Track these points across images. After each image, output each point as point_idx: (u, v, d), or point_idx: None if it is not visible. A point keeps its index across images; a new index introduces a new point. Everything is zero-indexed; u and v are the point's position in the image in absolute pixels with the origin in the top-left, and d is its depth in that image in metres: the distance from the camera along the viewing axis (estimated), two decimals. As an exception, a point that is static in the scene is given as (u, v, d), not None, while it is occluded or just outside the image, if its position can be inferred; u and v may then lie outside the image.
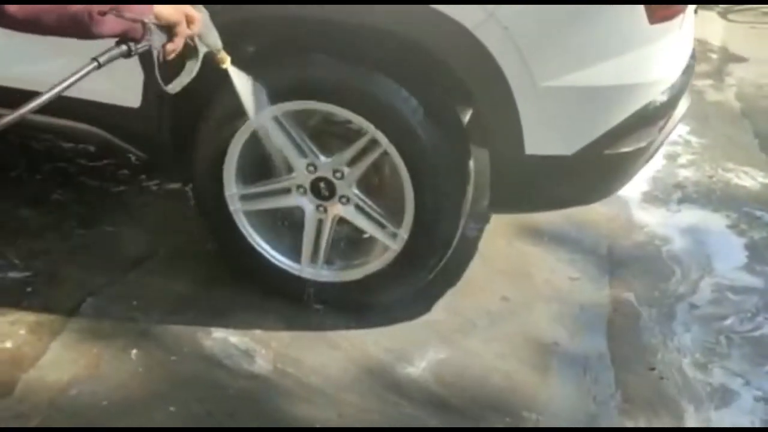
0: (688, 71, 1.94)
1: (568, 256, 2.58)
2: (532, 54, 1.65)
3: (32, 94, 1.09)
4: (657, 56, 1.73)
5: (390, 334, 2.06)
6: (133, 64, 1.87)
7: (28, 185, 2.66)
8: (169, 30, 1.20)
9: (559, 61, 1.68)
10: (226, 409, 1.76)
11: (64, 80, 1.10)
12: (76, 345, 1.91)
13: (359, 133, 1.85)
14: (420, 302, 2.17)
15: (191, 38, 1.27)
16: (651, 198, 3.08)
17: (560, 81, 1.68)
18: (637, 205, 3.03)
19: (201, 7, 1.30)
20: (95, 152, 2.86)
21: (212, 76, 1.61)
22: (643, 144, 1.83)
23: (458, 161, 1.86)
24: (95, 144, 2.31)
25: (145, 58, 1.20)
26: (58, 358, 1.86)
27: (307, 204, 1.98)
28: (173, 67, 1.29)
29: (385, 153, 1.84)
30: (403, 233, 1.91)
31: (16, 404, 1.72)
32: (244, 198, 2.00)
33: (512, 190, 1.85)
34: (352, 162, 1.89)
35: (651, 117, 1.79)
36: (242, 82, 1.47)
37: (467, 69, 1.70)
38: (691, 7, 1.92)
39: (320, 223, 1.99)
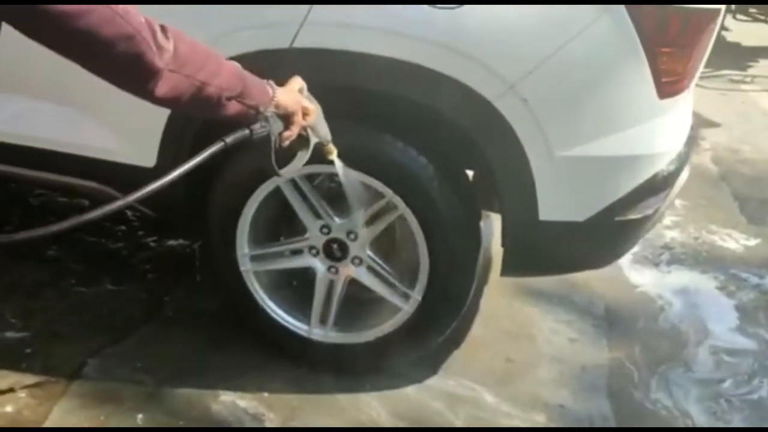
0: (690, 141, 2.02)
1: (566, 317, 2.61)
2: (549, 125, 1.70)
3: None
4: (665, 129, 1.80)
5: (398, 398, 2.04)
6: (150, 124, 1.90)
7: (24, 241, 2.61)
8: (286, 119, 1.27)
9: (575, 132, 1.73)
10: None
11: (192, 158, 1.14)
12: (79, 409, 1.86)
13: (375, 195, 1.87)
14: (427, 364, 2.17)
15: (305, 129, 1.34)
16: (641, 259, 3.15)
17: (575, 151, 1.73)
18: (628, 266, 3.09)
19: (312, 98, 1.38)
20: (90, 208, 2.83)
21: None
22: (650, 211, 1.88)
23: (471, 225, 1.89)
24: (102, 201, 2.28)
25: (264, 143, 1.25)
26: (61, 422, 1.81)
27: (319, 265, 1.98)
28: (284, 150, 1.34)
29: (401, 216, 1.86)
30: (417, 295, 1.92)
31: (20, 472, 1.66)
32: (255, 258, 2.00)
33: (525, 255, 1.88)
34: (367, 224, 1.91)
35: (659, 186, 1.84)
36: (346, 174, 1.61)
37: (486, 138, 1.75)
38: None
39: (331, 284, 1.99)
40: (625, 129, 1.74)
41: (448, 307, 1.94)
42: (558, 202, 1.79)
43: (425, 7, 1.64)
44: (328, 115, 1.83)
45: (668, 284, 2.96)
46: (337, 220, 1.93)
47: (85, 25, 0.92)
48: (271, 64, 1.75)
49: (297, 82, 1.35)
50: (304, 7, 1.69)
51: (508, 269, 1.91)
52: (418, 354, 2.05)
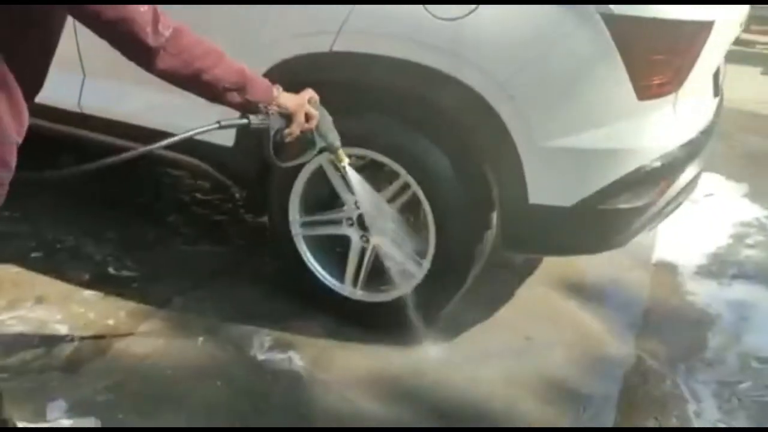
0: (694, 143, 2.17)
1: (602, 311, 2.76)
2: (533, 119, 1.98)
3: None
4: (646, 127, 2.00)
5: (412, 352, 2.36)
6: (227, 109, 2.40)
7: (152, 209, 3.26)
8: (288, 119, 1.62)
9: (557, 126, 1.99)
10: (262, 389, 2.15)
11: (189, 131, 1.55)
12: (159, 329, 2.39)
13: (396, 175, 2.23)
14: (447, 330, 2.47)
15: (310, 131, 1.68)
16: (705, 271, 3.19)
17: (557, 142, 1.99)
18: (688, 275, 3.15)
19: (323, 108, 1.71)
20: (209, 188, 3.44)
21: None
22: (639, 203, 2.08)
23: (476, 208, 2.18)
24: (204, 177, 2.81)
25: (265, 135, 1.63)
26: (144, 336, 2.34)
27: (353, 234, 2.37)
28: (292, 147, 1.72)
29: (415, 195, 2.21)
30: (426, 264, 2.25)
31: (105, 365, 2.20)
32: (304, 225, 2.43)
33: (519, 234, 2.15)
34: (390, 200, 2.27)
35: (643, 180, 2.04)
36: (357, 180, 1.94)
37: (481, 129, 2.06)
38: (700, 86, 2.17)
39: (363, 250, 2.37)
40: (602, 125, 1.97)
41: (451, 277, 2.25)
42: (545, 188, 2.05)
43: (432, 18, 2.00)
44: (359, 109, 2.24)
45: (723, 296, 2.99)
46: (367, 196, 2.31)
47: (92, 8, 1.27)
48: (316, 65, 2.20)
49: (307, 93, 1.68)
50: (342, 17, 2.10)
51: (505, 246, 2.19)
52: (430, 315, 2.37)
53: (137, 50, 1.38)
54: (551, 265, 2.94)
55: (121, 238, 2.93)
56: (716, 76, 2.36)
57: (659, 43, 1.92)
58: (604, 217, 2.08)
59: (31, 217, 3.01)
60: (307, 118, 1.66)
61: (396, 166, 2.19)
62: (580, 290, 2.89)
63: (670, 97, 2.00)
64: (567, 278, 2.92)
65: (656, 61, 1.94)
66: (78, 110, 2.65)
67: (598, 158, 2.00)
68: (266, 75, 2.23)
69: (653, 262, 3.22)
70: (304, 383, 2.21)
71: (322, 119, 1.73)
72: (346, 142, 2.22)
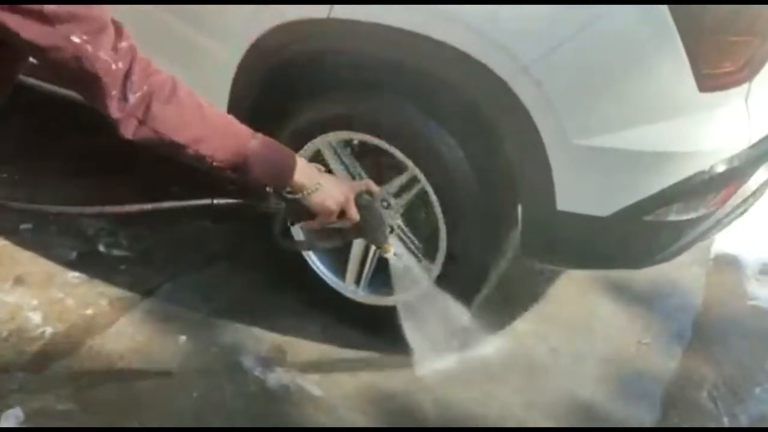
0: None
1: (646, 318, 2.43)
2: (566, 111, 1.62)
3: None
4: (708, 125, 1.61)
5: (405, 369, 2.08)
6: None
7: (164, 181, 2.97)
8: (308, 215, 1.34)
9: (594, 120, 1.62)
10: (240, 404, 1.91)
11: (181, 202, 1.34)
12: (140, 322, 2.16)
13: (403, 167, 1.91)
14: (459, 338, 2.18)
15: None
16: (772, 270, 2.80)
17: (595, 141, 1.63)
18: (753, 275, 2.76)
19: (374, 202, 1.41)
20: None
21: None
22: (693, 215, 1.71)
23: (495, 208, 1.85)
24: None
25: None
26: (122, 331, 2.12)
27: (356, 229, 2.07)
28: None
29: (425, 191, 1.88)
30: (435, 269, 1.94)
31: (75, 364, 2.00)
32: (303, 216, 2.14)
33: (543, 244, 1.81)
34: (397, 194, 1.96)
35: (701, 188, 1.66)
36: (398, 264, 1.67)
37: (503, 119, 1.70)
38: None
39: (366, 247, 2.07)
40: (652, 122, 1.59)
41: (462, 285, 1.93)
42: (577, 194, 1.70)
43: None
44: (361, 87, 1.90)
45: (790, 302, 2.61)
46: (372, 186, 2.00)
47: (53, 58, 1.03)
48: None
49: (362, 185, 1.40)
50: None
51: (526, 254, 1.86)
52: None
53: (103, 112, 1.12)
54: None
55: (119, 210, 2.69)
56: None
57: (731, 21, 1.51)
58: (649, 231, 1.72)
59: (29, 181, 2.81)
60: (342, 214, 1.35)
61: (402, 157, 1.86)
62: (625, 291, 2.54)
63: (742, 88, 1.60)
64: (609, 276, 2.57)
65: (726, 43, 1.53)
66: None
67: (645, 162, 1.63)
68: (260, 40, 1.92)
69: (711, 256, 2.83)
70: (292, 398, 1.97)
71: (369, 220, 1.41)
72: (347, 124, 1.94)
